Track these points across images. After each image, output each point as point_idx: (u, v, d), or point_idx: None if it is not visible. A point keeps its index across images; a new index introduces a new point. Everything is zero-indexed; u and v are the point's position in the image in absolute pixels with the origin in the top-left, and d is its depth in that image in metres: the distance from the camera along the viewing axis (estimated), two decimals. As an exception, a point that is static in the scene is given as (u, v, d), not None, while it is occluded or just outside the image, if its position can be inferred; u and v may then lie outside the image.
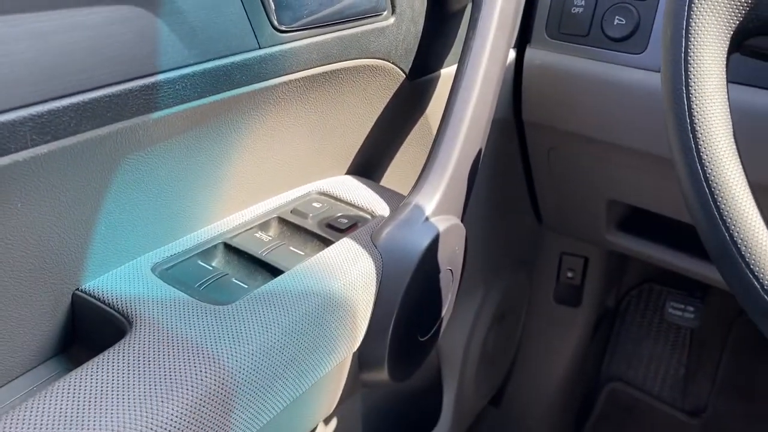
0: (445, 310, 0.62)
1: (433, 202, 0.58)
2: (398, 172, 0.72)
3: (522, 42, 0.80)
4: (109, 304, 0.44)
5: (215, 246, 0.52)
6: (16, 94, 0.34)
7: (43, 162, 0.37)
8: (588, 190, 0.90)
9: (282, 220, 0.57)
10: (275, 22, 0.47)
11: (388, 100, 0.65)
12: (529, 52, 0.79)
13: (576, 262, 1.14)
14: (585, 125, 0.79)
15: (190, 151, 0.47)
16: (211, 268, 0.50)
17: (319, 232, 0.56)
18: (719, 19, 0.40)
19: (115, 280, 0.45)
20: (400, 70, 0.63)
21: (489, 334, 1.05)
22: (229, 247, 0.52)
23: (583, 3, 0.75)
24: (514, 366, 1.21)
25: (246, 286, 0.48)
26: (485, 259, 0.99)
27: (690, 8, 0.40)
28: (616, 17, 0.73)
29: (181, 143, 0.45)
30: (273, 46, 0.47)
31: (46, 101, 0.36)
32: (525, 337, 1.20)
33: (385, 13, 0.58)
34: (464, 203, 0.63)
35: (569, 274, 1.15)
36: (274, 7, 0.47)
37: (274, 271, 0.50)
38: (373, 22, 0.57)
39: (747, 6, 0.40)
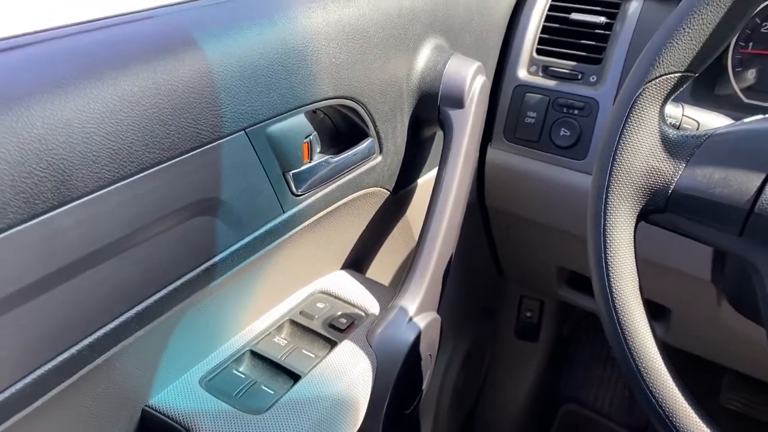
0: (425, 385, 0.77)
1: (416, 303, 0.72)
2: (385, 265, 0.86)
3: (484, 142, 0.94)
4: (172, 418, 0.57)
5: (244, 353, 0.66)
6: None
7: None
8: (541, 258, 1.05)
9: (293, 323, 0.71)
10: (294, 190, 0.61)
11: (375, 211, 0.79)
12: (490, 152, 0.94)
13: (533, 304, 1.30)
14: (536, 212, 0.94)
15: (227, 293, 0.60)
16: (243, 376, 0.63)
17: (324, 332, 0.70)
18: (628, 203, 0.55)
19: (173, 396, 0.59)
20: (385, 190, 0.77)
21: (460, 375, 1.21)
22: (254, 354, 0.66)
23: (534, 115, 0.89)
24: (482, 394, 1.37)
25: (272, 392, 0.62)
26: (455, 312, 1.14)
27: (607, 194, 0.55)
28: (562, 129, 0.88)
29: (221, 291, 0.59)
30: (293, 208, 0.61)
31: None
32: (491, 368, 1.36)
33: (375, 154, 0.72)
34: (440, 297, 0.77)
35: (528, 314, 1.31)
36: (293, 179, 0.60)
37: (292, 375, 0.64)
38: (365, 164, 0.71)
39: (647, 195, 0.55)
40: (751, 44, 0.87)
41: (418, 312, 0.72)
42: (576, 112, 0.87)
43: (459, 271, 1.08)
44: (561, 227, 0.92)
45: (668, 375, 0.53)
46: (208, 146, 0.49)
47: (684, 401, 0.53)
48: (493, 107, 0.92)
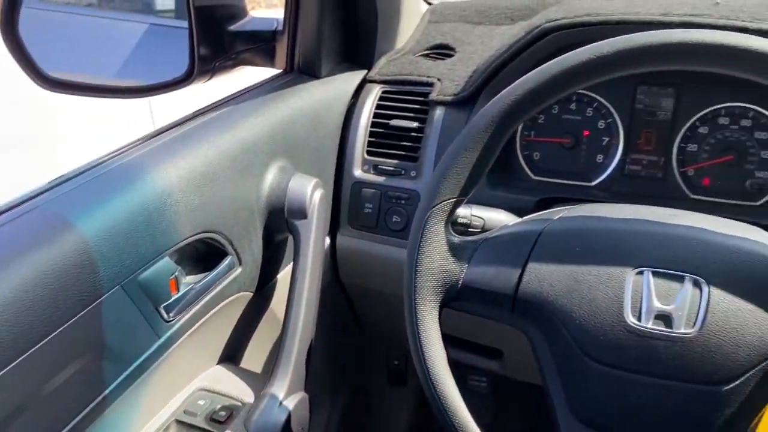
0: None
1: (285, 387, 0.86)
2: (257, 353, 0.99)
3: (334, 229, 1.10)
4: None
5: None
6: None
7: None
8: (396, 320, 1.22)
9: (179, 422, 0.82)
10: (165, 318, 0.73)
11: (242, 310, 0.92)
12: (340, 238, 1.10)
13: (398, 352, 1.46)
14: (382, 285, 1.11)
15: (119, 411, 0.71)
16: (139, 479, 0.74)
17: (207, 427, 0.81)
18: (431, 297, 0.72)
19: None
20: (249, 292, 0.90)
21: (340, 427, 1.35)
22: (148, 459, 0.77)
23: (371, 206, 1.06)
24: (364, 439, 1.52)
25: None
26: (328, 372, 1.29)
27: (415, 293, 0.72)
28: (394, 216, 1.06)
29: (114, 411, 0.70)
30: (166, 333, 0.73)
31: None
32: (370, 414, 1.51)
33: (235, 266, 0.85)
34: (306, 376, 0.91)
35: (396, 362, 1.48)
36: (164, 310, 0.72)
37: None
38: (228, 277, 0.84)
39: (444, 289, 0.72)
40: (533, 132, 1.09)
41: (287, 395, 0.85)
42: (403, 201, 1.05)
43: (328, 337, 1.23)
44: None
45: (472, 422, 0.70)
46: (91, 306, 0.61)
47: None
48: (338, 201, 1.09)
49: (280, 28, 1.08)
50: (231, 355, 0.94)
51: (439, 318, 0.73)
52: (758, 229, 0.72)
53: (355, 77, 1.13)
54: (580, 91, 1.05)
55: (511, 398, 1.63)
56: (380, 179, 1.06)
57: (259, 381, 0.89)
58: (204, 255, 0.82)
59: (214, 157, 0.79)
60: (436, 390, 0.70)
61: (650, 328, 0.64)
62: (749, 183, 0.98)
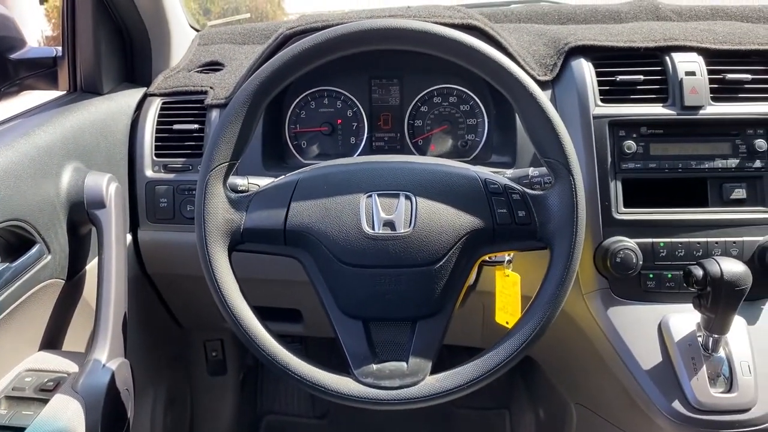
0: (130, 415, 1.02)
1: (105, 353, 0.98)
2: (78, 338, 1.09)
3: (135, 227, 1.23)
4: None
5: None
6: None
7: None
8: (205, 304, 1.37)
9: (8, 398, 0.91)
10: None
11: (56, 297, 1.02)
12: (141, 233, 1.24)
13: (216, 344, 1.61)
14: (188, 269, 1.26)
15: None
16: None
17: (37, 396, 0.91)
18: (219, 244, 0.90)
19: None
20: (61, 280, 1.01)
21: (166, 416, 1.45)
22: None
23: (166, 200, 1.22)
24: (192, 428, 1.63)
25: None
26: (148, 362, 1.39)
27: (206, 242, 0.89)
28: (188, 206, 1.22)
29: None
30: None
31: None
32: (195, 406, 1.62)
33: (45, 254, 0.96)
34: (124, 343, 1.04)
35: (213, 354, 1.62)
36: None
37: (18, 429, 0.85)
38: (38, 264, 0.95)
39: (229, 236, 0.90)
40: (298, 125, 1.33)
41: (108, 359, 0.98)
42: (194, 192, 1.22)
43: (143, 330, 1.34)
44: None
45: (260, 325, 0.88)
46: None
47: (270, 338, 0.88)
48: (134, 201, 1.23)
49: (60, 54, 1.21)
50: (52, 341, 1.03)
51: (230, 259, 0.91)
52: (454, 161, 1.01)
53: (137, 93, 1.29)
54: (330, 87, 1.31)
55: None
56: (171, 176, 1.22)
57: (82, 357, 1.00)
58: (15, 244, 0.93)
59: (14, 157, 0.91)
60: (234, 314, 0.88)
61: (381, 233, 0.89)
62: (460, 143, 1.30)
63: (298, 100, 1.32)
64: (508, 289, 1.08)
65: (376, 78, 1.31)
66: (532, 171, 1.03)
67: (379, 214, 0.90)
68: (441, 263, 0.89)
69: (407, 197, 0.91)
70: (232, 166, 0.91)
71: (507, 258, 1.07)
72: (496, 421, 1.79)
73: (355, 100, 1.31)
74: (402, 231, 0.89)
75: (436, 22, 1.16)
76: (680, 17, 1.50)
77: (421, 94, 1.31)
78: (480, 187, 0.91)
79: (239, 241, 0.91)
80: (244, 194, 0.93)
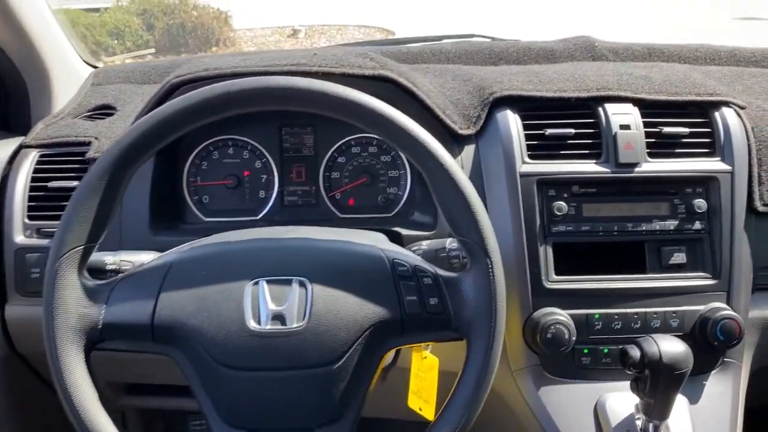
0: None
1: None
2: None
3: (1, 302, 1.07)
4: None
5: None
6: None
7: None
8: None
9: None
10: None
11: None
12: (8, 309, 1.07)
13: (116, 415, 1.43)
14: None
15: None
16: None
17: None
18: (72, 344, 0.75)
19: None
20: None
21: None
22: None
23: (38, 270, 1.06)
24: None
25: None
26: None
27: (55, 344, 0.74)
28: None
29: None
30: None
31: None
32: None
33: None
34: None
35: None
36: None
37: None
38: None
39: (84, 333, 0.75)
40: (198, 178, 1.18)
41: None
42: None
43: (19, 417, 1.17)
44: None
45: None
46: None
47: None
48: (1, 271, 1.06)
49: None
50: None
51: (88, 361, 0.76)
52: (358, 231, 0.88)
53: (10, 144, 1.12)
54: (235, 136, 1.18)
55: None
56: (45, 242, 1.06)
57: None
58: None
59: None
60: (88, 429, 0.73)
61: (269, 329, 0.75)
62: (381, 198, 1.17)
63: (198, 149, 1.17)
64: (424, 372, 0.95)
65: (288, 126, 1.18)
66: (449, 243, 0.92)
67: (267, 306, 0.76)
68: (341, 363, 0.76)
69: (301, 284, 0.77)
70: (90, 249, 0.77)
71: (425, 339, 0.95)
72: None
73: (263, 150, 1.18)
74: (294, 326, 0.76)
75: (344, 73, 1.04)
76: (617, 56, 1.42)
77: (338, 144, 1.18)
78: (387, 270, 0.79)
79: (97, 339, 0.77)
80: (102, 283, 0.78)
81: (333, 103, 0.75)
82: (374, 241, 0.84)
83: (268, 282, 0.77)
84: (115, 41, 8.82)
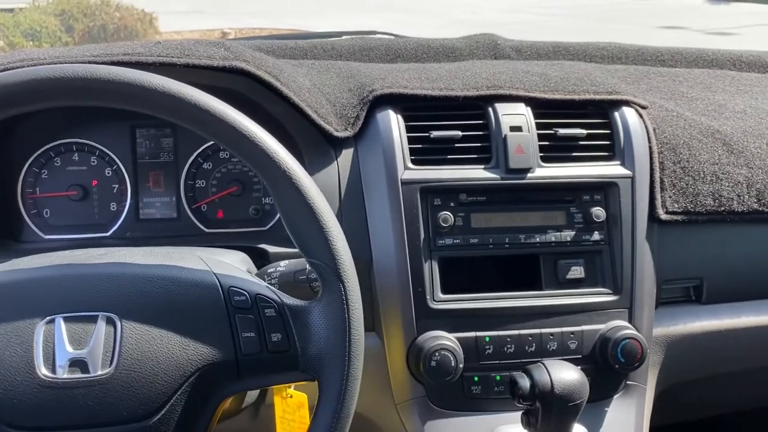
0: None
1: None
2: None
3: None
4: None
5: None
6: None
7: None
8: None
9: None
10: None
11: None
12: None
13: None
14: None
15: None
16: None
17: None
18: None
19: None
20: None
21: None
22: None
23: None
24: None
25: None
26: None
27: None
28: None
29: None
30: None
31: None
32: None
33: None
34: None
35: None
36: None
37: None
38: None
39: None
40: (37, 189, 1.01)
41: None
42: None
43: None
44: None
45: None
46: None
47: None
48: None
49: None
50: None
51: None
52: (192, 250, 0.74)
53: None
54: (80, 140, 1.01)
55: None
56: None
57: None
58: None
59: None
60: None
61: (66, 378, 0.60)
62: (252, 209, 1.03)
63: (36, 155, 1.00)
64: (291, 414, 0.82)
65: (142, 127, 1.03)
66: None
67: (63, 349, 0.61)
68: (159, 416, 0.62)
69: (109, 321, 0.63)
70: None
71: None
72: None
73: (113, 155, 1.02)
74: (98, 373, 0.61)
75: (188, 64, 0.90)
76: (520, 55, 1.33)
77: (202, 148, 1.03)
78: (220, 301, 0.65)
79: None
80: None
81: (135, 93, 0.61)
82: (216, 264, 0.70)
83: (66, 319, 0.62)
84: (30, 42, 8.36)
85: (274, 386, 0.84)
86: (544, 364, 0.80)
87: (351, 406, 0.64)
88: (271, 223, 1.04)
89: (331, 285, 0.65)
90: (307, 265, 0.80)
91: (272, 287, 0.69)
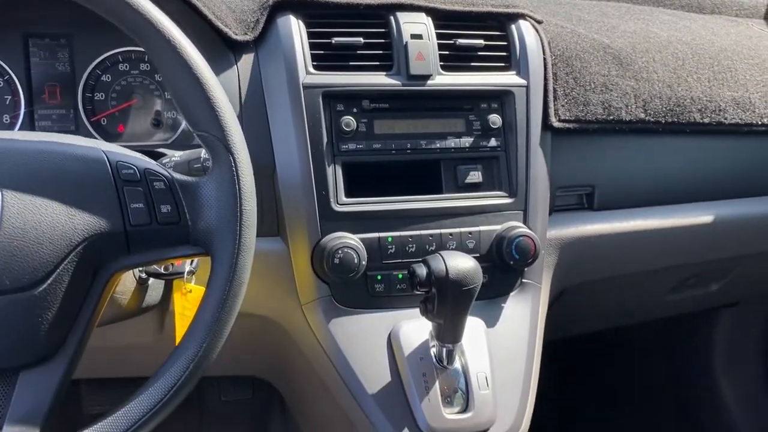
0: None
1: None
2: None
3: None
4: None
5: None
6: None
7: None
8: None
9: None
10: None
11: None
12: None
13: None
14: None
15: None
16: None
17: None
18: None
19: None
20: None
21: None
22: None
23: None
24: None
25: None
26: None
27: None
28: None
29: None
30: None
31: None
32: None
33: None
34: None
35: None
36: None
37: None
38: None
39: None
40: None
41: None
42: None
43: None
44: None
45: None
46: None
47: None
48: None
49: None
50: None
51: None
52: (77, 137, 0.73)
53: None
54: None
55: None
56: None
57: None
58: None
59: None
60: None
61: None
62: (153, 120, 1.02)
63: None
64: (191, 309, 0.83)
65: (36, 36, 0.99)
66: (205, 153, 0.79)
67: None
68: (46, 285, 0.61)
69: None
70: None
71: (188, 268, 0.82)
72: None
73: (5, 65, 0.98)
74: (-23, 242, 0.60)
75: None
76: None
77: (100, 59, 1.01)
78: (107, 174, 0.65)
79: None
80: None
81: None
82: (104, 144, 0.69)
83: None
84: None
85: (174, 281, 0.85)
86: (440, 254, 0.83)
87: (244, 276, 0.65)
88: (174, 137, 1.03)
89: (220, 157, 0.65)
90: (202, 153, 0.80)
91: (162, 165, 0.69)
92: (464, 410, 0.88)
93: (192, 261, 0.81)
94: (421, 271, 0.82)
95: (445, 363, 0.89)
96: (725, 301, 1.51)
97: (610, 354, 1.84)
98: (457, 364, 0.90)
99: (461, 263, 0.82)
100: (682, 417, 1.78)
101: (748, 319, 1.60)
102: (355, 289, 0.93)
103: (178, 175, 0.67)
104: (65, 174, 0.63)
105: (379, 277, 0.93)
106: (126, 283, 0.80)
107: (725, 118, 1.12)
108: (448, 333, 0.86)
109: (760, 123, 1.14)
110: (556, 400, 1.67)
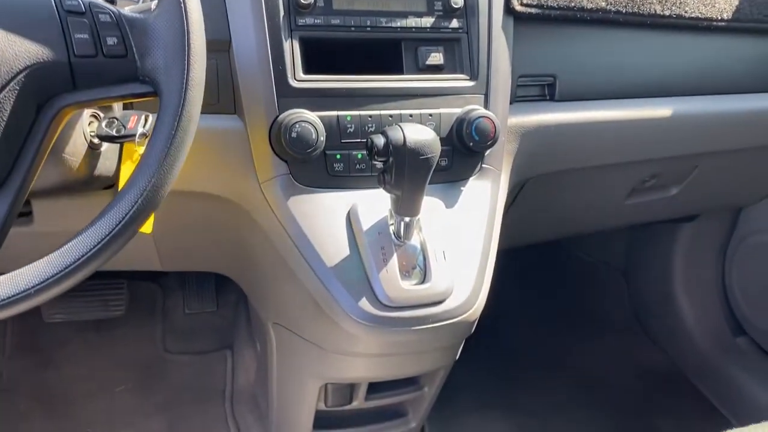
0: None
1: None
2: None
3: None
4: None
5: None
6: None
7: None
8: None
9: None
10: None
11: None
12: None
13: None
14: None
15: None
16: None
17: None
18: None
19: None
20: None
21: None
22: None
23: None
24: None
25: None
26: None
27: None
28: None
29: None
30: None
31: None
32: None
33: None
34: None
35: None
36: None
37: None
38: None
39: None
40: None
41: None
42: None
43: None
44: None
45: None
46: None
47: None
48: None
49: None
50: None
51: None
52: None
53: None
54: None
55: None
56: None
57: None
58: None
59: None
60: None
61: None
62: None
63: None
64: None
65: None
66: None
67: None
68: None
69: None
70: None
71: (140, 130, 0.80)
72: (217, 363, 1.54)
73: None
74: None
75: None
76: None
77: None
78: (49, 3, 0.62)
79: None
80: None
81: None
82: None
83: None
84: None
85: (124, 144, 0.83)
86: (399, 124, 0.82)
87: (193, 111, 0.63)
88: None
89: None
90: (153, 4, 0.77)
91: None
92: (421, 282, 0.88)
93: (145, 123, 0.79)
94: (379, 141, 0.81)
95: (402, 238, 0.89)
96: (684, 212, 1.53)
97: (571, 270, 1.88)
98: (415, 241, 0.90)
99: (419, 133, 0.81)
100: (639, 330, 1.83)
101: (706, 233, 1.64)
102: (314, 168, 0.92)
103: (125, 11, 0.65)
104: (5, 2, 0.61)
105: (338, 156, 0.92)
106: (77, 144, 0.78)
107: (685, 11, 1.12)
108: (406, 205, 0.86)
109: (719, 18, 1.15)
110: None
